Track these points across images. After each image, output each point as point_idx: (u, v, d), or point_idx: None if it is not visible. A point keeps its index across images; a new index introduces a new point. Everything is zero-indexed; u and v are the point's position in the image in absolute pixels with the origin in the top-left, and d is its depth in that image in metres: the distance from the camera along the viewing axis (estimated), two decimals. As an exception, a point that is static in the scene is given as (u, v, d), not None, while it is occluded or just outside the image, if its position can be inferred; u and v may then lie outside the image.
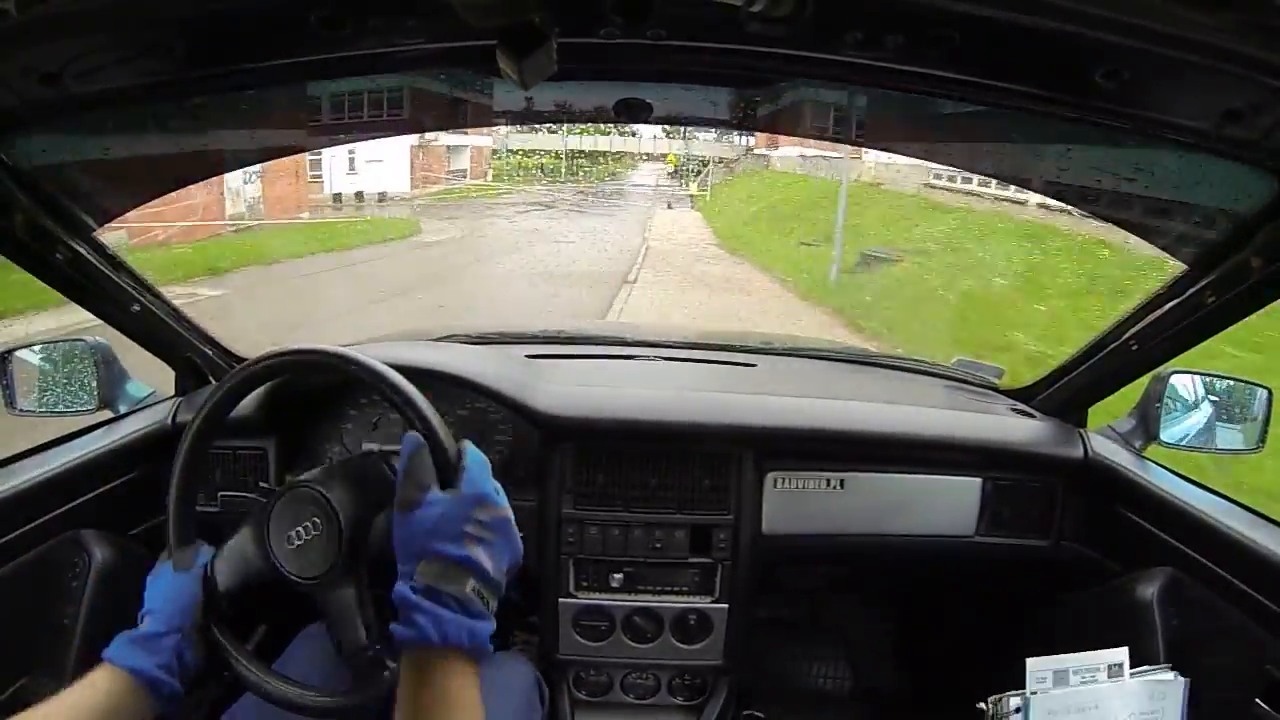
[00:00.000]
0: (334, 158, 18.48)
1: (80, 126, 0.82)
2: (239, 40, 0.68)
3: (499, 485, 0.71)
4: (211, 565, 0.78)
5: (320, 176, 18.85)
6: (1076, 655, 0.57)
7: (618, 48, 0.70)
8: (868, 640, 1.78)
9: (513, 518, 0.70)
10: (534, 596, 1.30)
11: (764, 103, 0.93)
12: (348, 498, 0.75)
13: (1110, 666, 0.58)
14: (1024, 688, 0.61)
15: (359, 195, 19.50)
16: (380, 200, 19.74)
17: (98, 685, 0.71)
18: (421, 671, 0.63)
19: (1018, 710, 0.56)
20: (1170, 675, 0.58)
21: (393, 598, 0.65)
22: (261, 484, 1.21)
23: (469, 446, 0.71)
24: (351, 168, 19.47)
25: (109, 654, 0.73)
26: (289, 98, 0.90)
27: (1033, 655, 0.70)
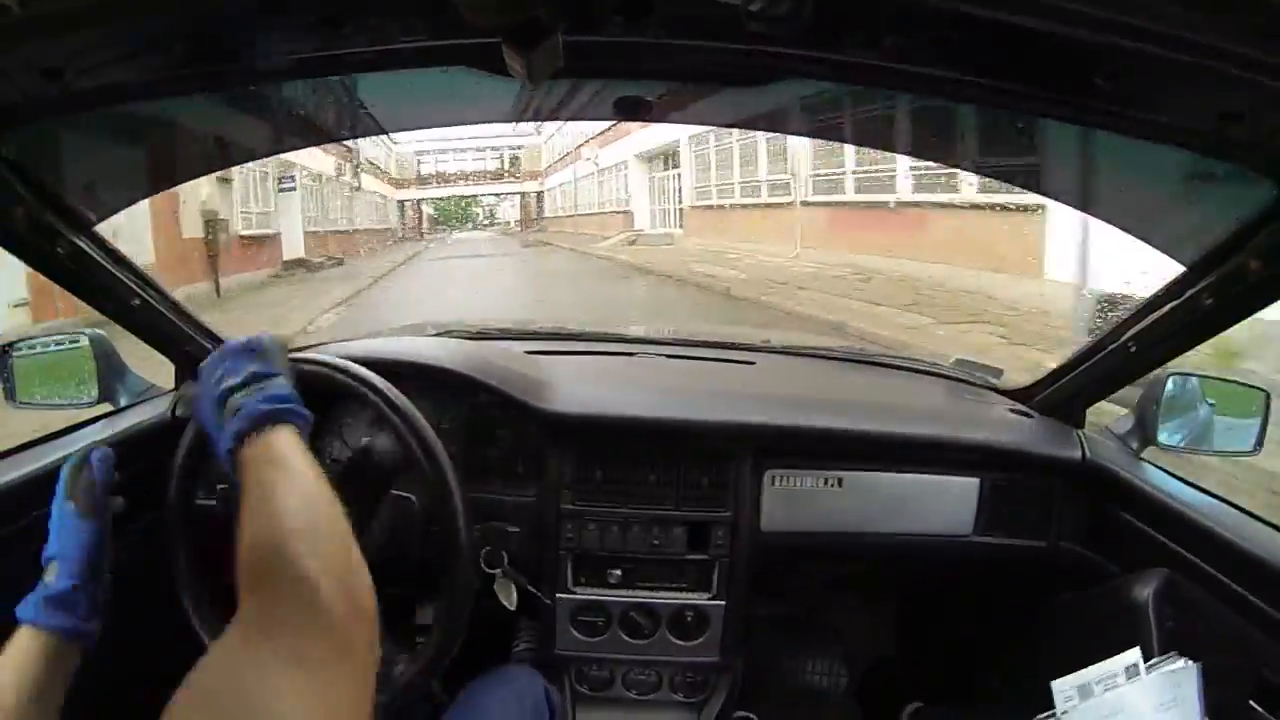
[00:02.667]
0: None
1: (82, 121, 0.82)
2: (240, 36, 0.68)
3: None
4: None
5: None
6: (1094, 667, 0.58)
7: (617, 46, 0.70)
8: (865, 639, 1.78)
9: (233, 346, 0.81)
10: (533, 595, 1.30)
11: (763, 102, 0.93)
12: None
13: (1127, 669, 0.59)
14: (1025, 690, 0.61)
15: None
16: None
17: (25, 654, 0.72)
18: (252, 456, 0.69)
19: None
20: (1181, 662, 0.59)
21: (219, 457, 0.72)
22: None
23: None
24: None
25: (29, 617, 0.74)
26: (289, 94, 0.91)
27: (1029, 656, 0.70)
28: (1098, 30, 0.55)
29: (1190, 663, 0.59)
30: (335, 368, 0.78)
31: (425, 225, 47.33)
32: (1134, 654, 0.59)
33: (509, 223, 48.72)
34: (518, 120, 1.14)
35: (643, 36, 0.67)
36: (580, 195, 31.09)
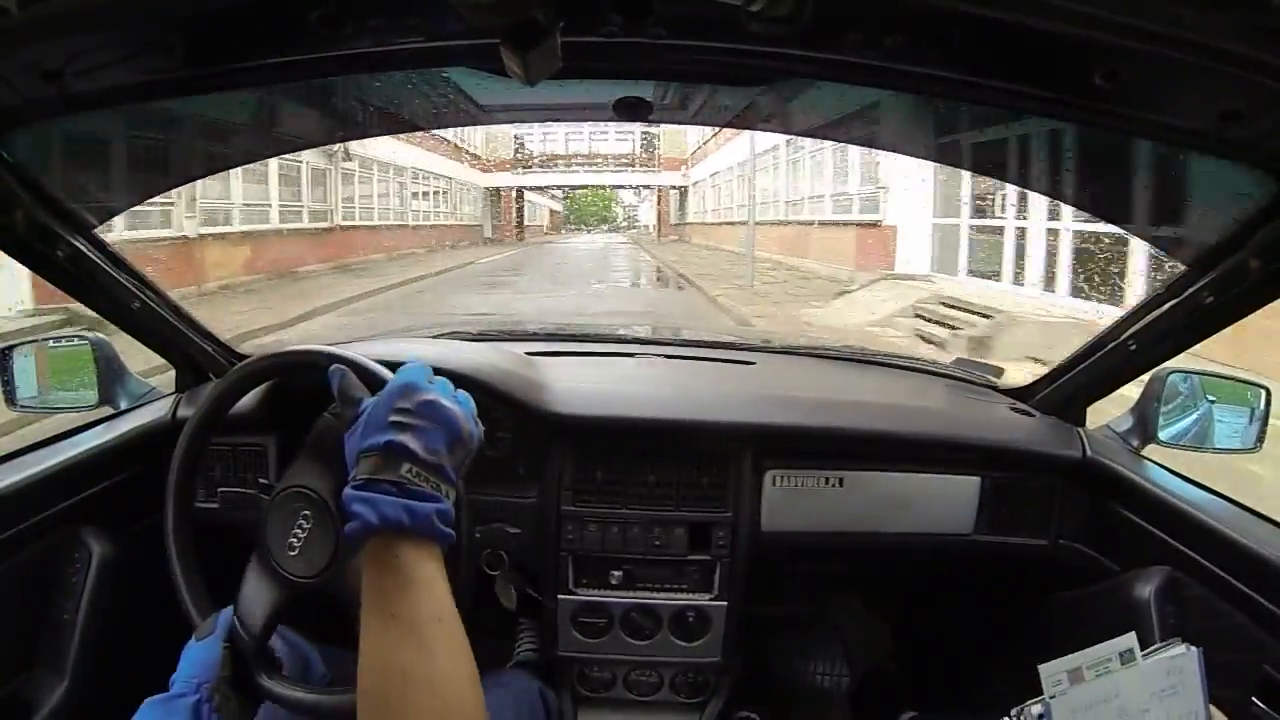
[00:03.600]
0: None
1: (81, 124, 0.82)
2: (240, 38, 0.68)
3: (445, 380, 0.72)
4: (232, 622, 0.79)
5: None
6: (1086, 651, 0.58)
7: (617, 47, 0.70)
8: (866, 638, 1.78)
9: (445, 399, 0.70)
10: (534, 594, 1.30)
11: (763, 102, 0.93)
12: (321, 479, 0.75)
13: (1122, 654, 0.58)
14: (1026, 687, 0.61)
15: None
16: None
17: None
18: (376, 559, 0.63)
19: (1041, 716, 0.56)
20: (1182, 648, 0.58)
21: (342, 501, 0.65)
22: (261, 480, 1.21)
23: (409, 364, 0.72)
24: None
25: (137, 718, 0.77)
26: (289, 96, 0.91)
27: (1030, 653, 0.70)
28: (1098, 29, 0.55)
29: (1191, 648, 0.58)
30: (351, 362, 0.77)
31: (521, 222, 37.16)
32: (1129, 639, 0.58)
33: (646, 226, 42.44)
34: (518, 120, 1.14)
35: (643, 37, 0.67)
36: (741, 191, 19.40)
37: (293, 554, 0.74)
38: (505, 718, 1.01)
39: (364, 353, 0.76)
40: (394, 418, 0.66)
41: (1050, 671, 0.57)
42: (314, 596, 0.76)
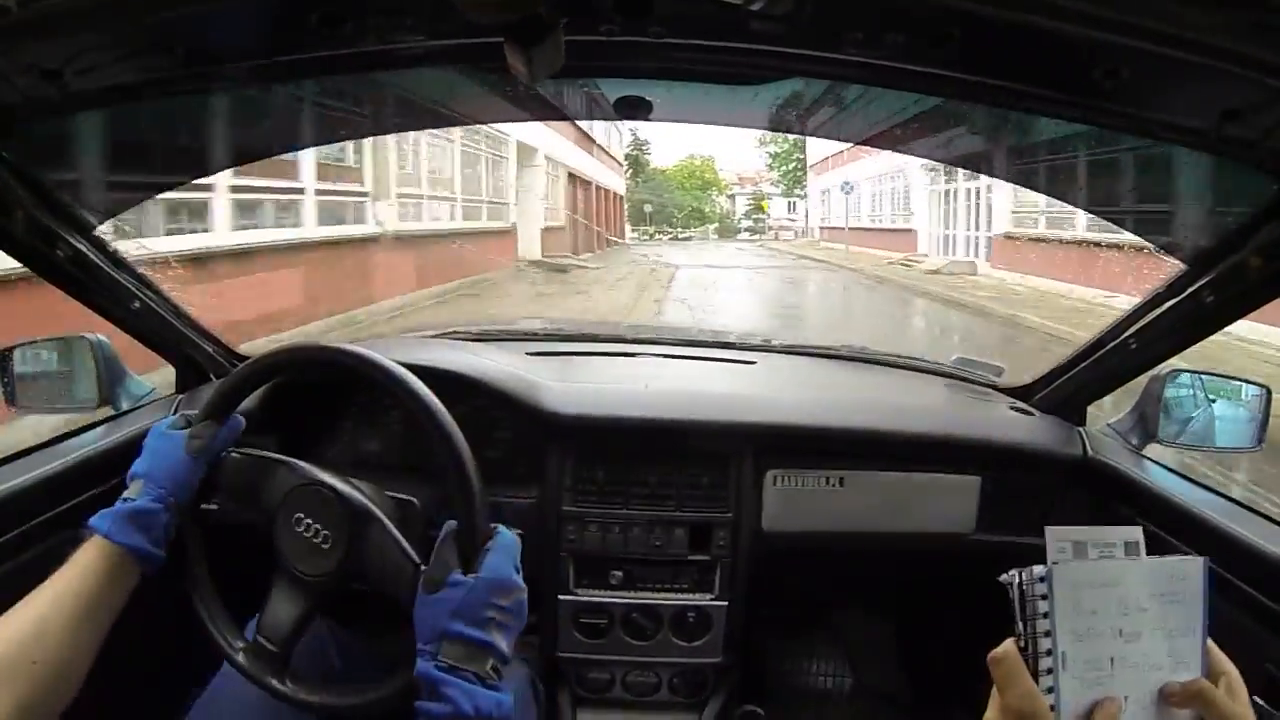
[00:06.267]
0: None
1: (81, 123, 0.82)
2: (240, 37, 0.68)
3: (519, 564, 0.75)
4: (225, 460, 0.81)
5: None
6: (1093, 529, 0.56)
7: (618, 45, 0.70)
8: (867, 638, 1.78)
9: (526, 598, 0.75)
10: (534, 595, 1.30)
11: (764, 101, 0.93)
12: (366, 549, 0.77)
13: (1127, 544, 0.56)
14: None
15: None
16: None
17: (91, 564, 0.73)
18: None
19: (1042, 580, 0.54)
20: (1189, 557, 0.57)
21: (417, 674, 0.68)
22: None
23: (500, 530, 0.75)
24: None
25: (106, 529, 0.74)
26: (289, 95, 0.90)
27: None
28: (1098, 28, 0.55)
29: (1199, 558, 0.56)
30: (362, 358, 0.77)
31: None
32: (1135, 531, 0.57)
33: (792, 232, 33.84)
34: (519, 119, 1.13)
35: (643, 36, 0.67)
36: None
37: (291, 532, 0.75)
38: None
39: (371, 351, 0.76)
40: (490, 614, 0.70)
41: (1056, 536, 0.56)
42: (336, 593, 0.77)
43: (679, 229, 35.83)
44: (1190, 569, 0.56)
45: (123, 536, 0.74)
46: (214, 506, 1.20)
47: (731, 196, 39.51)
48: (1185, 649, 0.55)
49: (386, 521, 0.79)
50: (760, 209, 37.93)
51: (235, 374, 0.86)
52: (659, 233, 34.95)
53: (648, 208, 34.25)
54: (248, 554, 0.83)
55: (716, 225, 38.27)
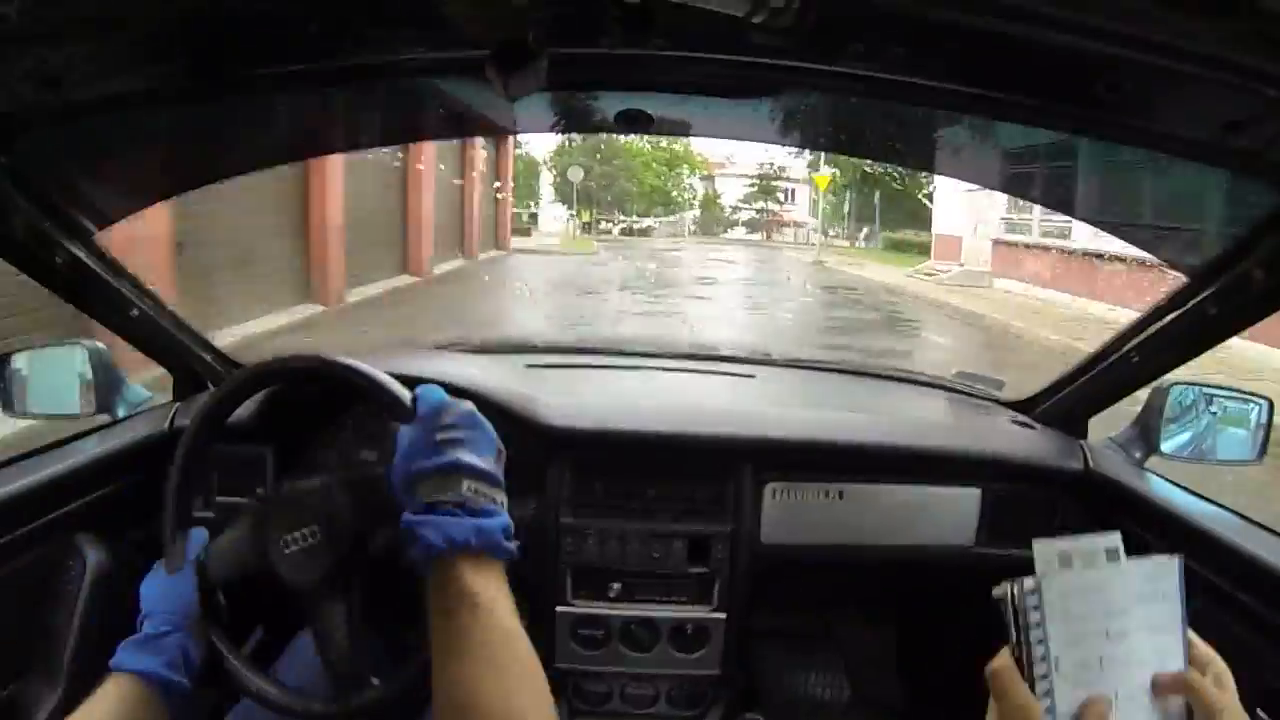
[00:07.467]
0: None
1: (81, 131, 0.82)
2: (238, 48, 0.68)
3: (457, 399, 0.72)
4: (204, 557, 0.77)
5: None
6: (1076, 539, 0.57)
7: (619, 58, 0.70)
8: (866, 651, 1.77)
9: (476, 409, 0.71)
10: (532, 606, 1.29)
11: (766, 114, 0.93)
12: (349, 511, 0.74)
13: (1108, 551, 0.58)
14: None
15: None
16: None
17: (110, 695, 0.70)
18: (442, 582, 0.62)
19: (1033, 591, 0.56)
20: (1164, 556, 0.59)
21: (401, 527, 0.64)
22: (259, 489, 1.20)
23: (420, 387, 0.73)
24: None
25: (115, 662, 0.72)
26: (287, 105, 0.90)
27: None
28: (1100, 41, 0.55)
29: (1174, 557, 0.58)
30: (359, 371, 0.76)
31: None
32: (1114, 538, 0.58)
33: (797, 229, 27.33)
34: (519, 131, 1.14)
35: (645, 49, 0.67)
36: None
37: (285, 551, 0.73)
38: None
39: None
40: (441, 435, 0.66)
41: (1043, 549, 0.57)
42: (357, 574, 0.75)
43: (632, 217, 25.88)
44: (1168, 568, 0.59)
45: (134, 664, 0.71)
46: (209, 514, 1.20)
47: (709, 177, 30.43)
48: (1168, 643, 0.58)
49: (341, 474, 0.77)
50: (769, 196, 28.55)
51: (223, 386, 0.84)
52: (603, 220, 24.55)
53: (575, 175, 22.04)
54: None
55: (698, 213, 28.06)
